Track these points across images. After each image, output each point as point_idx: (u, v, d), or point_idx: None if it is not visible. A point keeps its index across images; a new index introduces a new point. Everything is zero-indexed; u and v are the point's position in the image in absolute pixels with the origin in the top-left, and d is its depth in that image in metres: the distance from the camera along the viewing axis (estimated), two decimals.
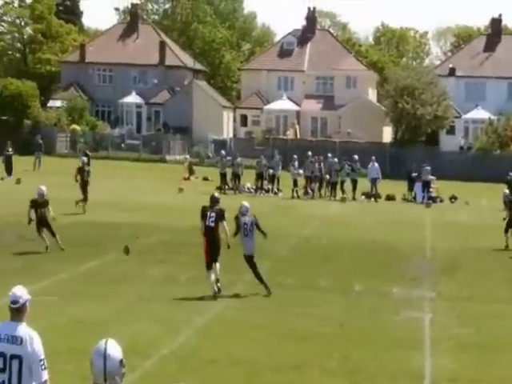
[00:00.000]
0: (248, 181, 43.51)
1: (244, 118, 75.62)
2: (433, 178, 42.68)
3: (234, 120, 76.72)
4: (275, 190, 42.85)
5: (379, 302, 17.48)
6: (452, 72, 71.25)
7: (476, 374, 12.74)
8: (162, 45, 78.25)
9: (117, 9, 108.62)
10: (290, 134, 70.14)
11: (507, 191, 27.09)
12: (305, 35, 79.69)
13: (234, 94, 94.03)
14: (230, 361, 12.80)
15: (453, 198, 42.35)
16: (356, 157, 42.91)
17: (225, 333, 14.52)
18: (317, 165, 41.87)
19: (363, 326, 15.41)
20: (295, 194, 41.37)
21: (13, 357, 7.03)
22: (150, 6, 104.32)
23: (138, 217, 29.92)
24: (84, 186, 30.63)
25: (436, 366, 13.08)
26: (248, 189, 43.14)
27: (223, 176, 42.63)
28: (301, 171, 42.40)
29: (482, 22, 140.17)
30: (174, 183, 43.51)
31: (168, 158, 63.47)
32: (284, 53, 78.45)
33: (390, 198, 42.17)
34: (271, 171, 42.71)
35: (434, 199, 41.31)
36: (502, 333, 15.31)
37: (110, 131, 70.34)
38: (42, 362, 7.08)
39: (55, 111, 68.36)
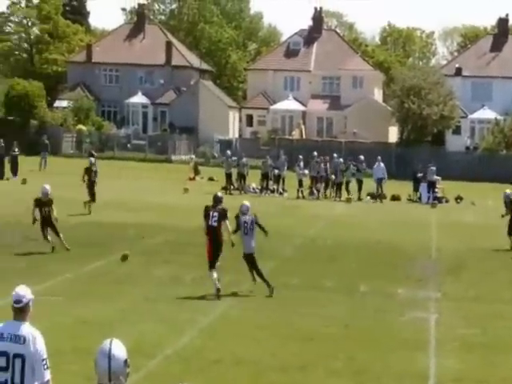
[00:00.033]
0: (253, 181, 43.51)
1: (250, 118, 75.63)
2: (438, 178, 42.63)
3: (240, 120, 76.74)
4: (280, 190, 42.84)
5: (384, 303, 17.47)
6: (458, 72, 71.17)
7: (481, 375, 12.72)
8: (169, 45, 78.31)
9: (123, 9, 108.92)
10: (295, 134, 70.14)
11: (508, 191, 26.98)
12: (311, 35, 79.67)
13: (240, 94, 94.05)
14: (235, 361, 12.81)
15: (458, 199, 42.28)
16: (362, 157, 42.89)
17: (229, 333, 14.52)
18: (322, 165, 41.85)
19: (368, 326, 15.40)
20: (300, 195, 41.36)
21: (16, 356, 7.05)
22: (156, 7, 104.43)
23: (144, 217, 29.94)
24: (91, 186, 30.64)
25: (441, 366, 13.06)
26: (253, 189, 43.14)
27: (229, 176, 42.62)
28: (306, 171, 42.39)
29: (488, 21, 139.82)
30: (179, 183, 43.53)
31: (174, 158, 63.51)
32: (290, 53, 78.44)
33: (395, 198, 42.12)
34: (277, 171, 42.70)
35: (439, 199, 41.25)
36: (507, 333, 15.28)
37: (116, 131, 70.41)
38: (44, 362, 7.10)
39: (61, 111, 68.45)
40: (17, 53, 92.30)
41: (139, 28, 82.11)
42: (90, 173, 31.07)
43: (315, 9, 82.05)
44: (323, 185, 41.91)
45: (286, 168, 43.04)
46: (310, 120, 73.72)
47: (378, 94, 75.64)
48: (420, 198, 41.85)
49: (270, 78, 76.26)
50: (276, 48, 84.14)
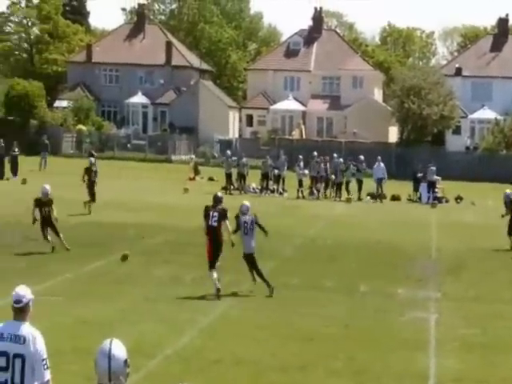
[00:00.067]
0: (253, 181, 43.52)
1: (250, 118, 75.65)
2: (438, 178, 42.63)
3: (240, 120, 76.76)
4: (280, 190, 42.84)
5: (384, 303, 17.47)
6: (458, 72, 71.18)
7: (481, 375, 12.72)
8: (169, 45, 78.33)
9: (123, 9, 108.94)
10: (295, 134, 70.16)
11: (508, 191, 26.98)
12: (311, 35, 79.69)
13: (240, 94, 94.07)
14: (235, 361, 12.81)
15: (458, 199, 42.28)
16: (362, 157, 42.89)
17: (229, 333, 14.53)
18: (322, 165, 41.86)
19: (368, 326, 15.40)
20: (300, 195, 41.36)
21: (16, 356, 7.06)
22: (156, 7, 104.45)
23: (144, 217, 29.94)
24: (91, 186, 30.63)
25: (441, 366, 13.06)
26: (253, 189, 43.14)
27: (229, 176, 42.61)
28: (306, 171, 42.40)
29: (488, 21, 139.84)
30: (179, 183, 43.54)
31: (174, 158, 63.51)
32: (290, 53, 78.45)
33: (395, 198, 42.13)
34: (277, 171, 42.70)
35: (439, 199, 41.25)
36: (507, 333, 15.28)
37: (116, 131, 70.42)
38: (44, 362, 7.10)
39: (61, 111, 68.46)
40: (17, 53, 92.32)
41: (139, 28, 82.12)
42: (90, 173, 31.06)
43: (315, 9, 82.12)
44: (323, 185, 41.91)
45: (286, 168, 43.04)
46: (310, 120, 73.74)
47: (377, 94, 75.66)
48: (420, 198, 41.85)
49: (270, 78, 76.27)
50: (276, 48, 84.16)
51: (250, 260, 17.82)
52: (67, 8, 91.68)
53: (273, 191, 42.69)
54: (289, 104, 74.23)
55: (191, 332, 14.44)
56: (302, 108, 74.33)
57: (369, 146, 59.03)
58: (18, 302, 7.18)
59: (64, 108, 69.92)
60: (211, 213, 17.45)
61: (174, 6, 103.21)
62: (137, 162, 59.88)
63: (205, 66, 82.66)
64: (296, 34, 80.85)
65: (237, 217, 17.85)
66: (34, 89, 65.40)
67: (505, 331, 15.46)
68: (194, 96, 72.36)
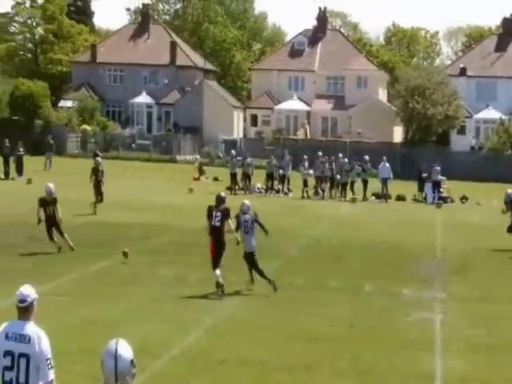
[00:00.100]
0: (258, 181, 43.52)
1: (254, 118, 75.65)
2: (443, 178, 42.58)
3: (245, 120, 76.76)
4: (285, 190, 42.83)
5: (389, 303, 17.46)
6: (463, 72, 71.12)
7: (487, 375, 12.71)
8: (173, 45, 78.35)
9: (128, 9, 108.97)
10: (300, 134, 70.14)
11: (510, 191, 26.95)
12: (315, 35, 79.67)
13: (244, 93, 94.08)
14: (240, 361, 12.81)
15: (464, 199, 42.24)
16: (367, 157, 42.86)
17: (235, 333, 14.53)
18: (327, 165, 41.85)
19: (373, 326, 15.39)
20: (305, 195, 41.35)
21: (20, 355, 7.08)
22: (161, 7, 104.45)
23: (149, 217, 29.96)
24: (98, 186, 30.64)
25: (447, 367, 13.05)
26: (258, 189, 43.14)
27: (233, 176, 42.61)
28: (311, 171, 42.37)
29: (493, 21, 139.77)
30: (184, 183, 43.55)
31: (178, 158, 63.52)
32: (295, 53, 78.44)
33: (400, 198, 42.09)
34: (281, 171, 42.70)
35: (444, 199, 41.20)
36: None
37: (120, 131, 70.46)
38: (48, 362, 7.13)
39: (66, 111, 68.50)
40: (21, 53, 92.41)
41: (144, 28, 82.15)
42: (96, 172, 31.10)
43: (319, 9, 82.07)
44: (328, 185, 41.89)
45: (290, 168, 43.02)
46: (315, 120, 73.72)
47: (382, 94, 75.60)
48: (425, 198, 41.80)
49: (274, 78, 76.27)
50: (280, 48, 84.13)
51: (250, 259, 17.87)
52: (72, 8, 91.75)
53: (278, 191, 42.69)
54: (293, 104, 74.22)
55: (197, 332, 14.45)
56: (306, 108, 74.32)
57: (373, 146, 58.98)
58: (22, 301, 7.20)
59: (69, 108, 69.98)
60: (214, 213, 17.52)
61: (178, 6, 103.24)
62: (141, 162, 59.92)
63: (209, 66, 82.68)
64: (300, 34, 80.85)
65: (237, 216, 17.92)
66: (39, 89, 65.47)
67: (510, 332, 15.44)
68: (198, 96, 72.37)
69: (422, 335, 14.90)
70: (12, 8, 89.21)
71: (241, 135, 72.89)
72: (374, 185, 41.94)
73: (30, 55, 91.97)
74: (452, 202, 41.80)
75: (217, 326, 15.08)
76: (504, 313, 17.00)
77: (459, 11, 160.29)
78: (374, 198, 41.74)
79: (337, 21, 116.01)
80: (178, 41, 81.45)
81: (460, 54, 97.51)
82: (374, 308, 16.91)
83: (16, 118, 64.28)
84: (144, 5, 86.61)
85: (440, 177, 41.76)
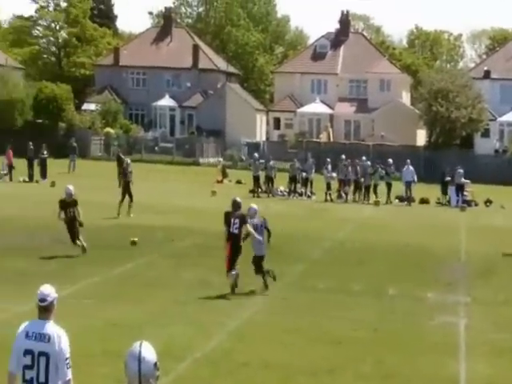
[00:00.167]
0: (281, 184, 43.48)
1: (277, 121, 75.65)
2: (467, 181, 42.35)
3: (267, 123, 76.77)
4: (308, 193, 42.77)
5: (413, 307, 17.38)
6: (487, 74, 70.74)
7: (511, 380, 12.60)
8: (196, 48, 78.50)
9: (150, 13, 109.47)
10: (323, 137, 70.04)
11: None
12: (338, 38, 79.60)
13: (267, 97, 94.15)
14: (263, 364, 12.78)
15: (488, 202, 41.99)
16: (390, 160, 42.72)
17: (257, 336, 14.50)
18: (350, 168, 41.77)
19: (397, 330, 15.32)
20: (328, 198, 41.26)
21: (40, 354, 7.13)
22: (183, 10, 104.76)
23: (172, 220, 29.99)
24: (127, 187, 30.70)
25: (471, 371, 12.96)
26: (281, 192, 43.11)
27: (256, 179, 42.60)
28: (334, 174, 42.27)
29: None
30: (207, 186, 43.57)
31: (201, 160, 63.62)
32: (317, 56, 78.38)
33: (423, 201, 41.92)
34: (304, 174, 42.65)
35: (468, 203, 40.98)
36: None
37: (143, 134, 70.67)
38: (67, 361, 7.18)
39: (89, 114, 68.81)
40: (45, 56, 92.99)
41: (166, 31, 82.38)
42: (125, 174, 31.20)
43: (342, 12, 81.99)
44: (352, 188, 41.79)
45: (313, 171, 42.94)
46: (338, 123, 73.62)
47: (405, 97, 75.38)
48: (449, 202, 41.60)
49: (297, 81, 76.26)
50: (303, 51, 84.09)
51: (258, 262, 17.90)
52: (95, 12, 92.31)
53: (301, 194, 42.63)
54: (316, 107, 74.16)
55: (220, 335, 14.44)
56: (329, 111, 74.23)
57: (397, 149, 58.76)
58: (42, 300, 7.26)
59: (92, 111, 70.29)
60: (232, 219, 17.62)
61: (200, 10, 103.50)
62: (164, 165, 60.06)
63: (232, 69, 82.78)
64: (323, 37, 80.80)
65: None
66: (62, 92, 65.81)
67: None
68: (221, 99, 72.46)
69: (446, 339, 14.81)
70: (36, 12, 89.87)
71: (263, 138, 72.91)
72: (398, 188, 41.80)
73: (53, 58, 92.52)
74: (476, 205, 41.57)
75: (240, 329, 15.06)
76: None
77: (483, 14, 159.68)
78: (397, 200, 41.59)
79: (359, 24, 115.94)
80: (201, 44, 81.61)
81: (484, 56, 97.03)
82: (398, 311, 16.83)
83: (40, 121, 64.63)
84: (166, 8, 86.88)
85: (464, 180, 41.52)
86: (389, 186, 41.14)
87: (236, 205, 17.83)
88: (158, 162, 61.47)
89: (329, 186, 41.53)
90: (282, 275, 19.80)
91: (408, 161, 42.63)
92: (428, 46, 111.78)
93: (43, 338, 7.16)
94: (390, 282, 19.62)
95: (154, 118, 76.48)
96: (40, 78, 78.57)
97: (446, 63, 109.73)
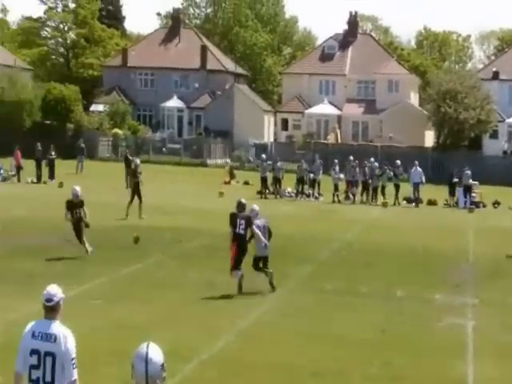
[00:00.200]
0: (289, 185, 43.46)
1: (285, 122, 75.64)
2: (475, 182, 42.27)
3: (275, 124, 76.77)
4: (316, 194, 42.73)
5: (421, 308, 17.35)
6: (496, 76, 70.59)
7: None
8: (204, 49, 78.55)
9: (159, 14, 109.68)
10: (330, 139, 69.99)
11: None
12: (346, 39, 79.56)
13: (275, 97, 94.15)
14: (270, 366, 12.78)
15: (496, 203, 41.90)
16: (398, 162, 42.66)
17: (265, 338, 14.49)
18: (357, 169, 41.74)
19: (405, 332, 15.29)
20: (336, 199, 41.22)
21: (46, 354, 7.15)
22: (191, 11, 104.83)
23: (180, 221, 30.00)
24: (136, 187, 30.68)
25: (479, 372, 12.94)
26: (288, 193, 43.10)
27: (264, 180, 42.58)
28: (342, 176, 42.23)
29: None
30: (214, 187, 43.58)
31: (209, 161, 63.64)
32: (325, 57, 78.35)
33: (431, 202, 41.85)
34: (312, 175, 42.62)
35: (476, 204, 40.89)
36: None
37: (151, 135, 70.72)
38: (73, 361, 7.19)
39: (97, 115, 68.88)
40: (53, 57, 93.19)
41: (174, 32, 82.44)
42: (135, 174, 31.20)
43: (350, 13, 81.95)
44: (360, 189, 41.76)
45: (321, 172, 42.91)
46: (346, 124, 73.57)
47: (413, 98, 75.27)
48: (457, 203, 41.52)
49: (305, 82, 76.23)
50: (311, 52, 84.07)
51: (259, 262, 17.98)
52: (103, 13, 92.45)
53: (308, 195, 42.60)
54: (324, 108, 74.12)
55: (227, 336, 14.43)
56: (337, 112, 74.18)
57: (405, 151, 58.69)
58: (49, 300, 7.27)
59: (100, 112, 70.37)
60: (238, 220, 17.76)
61: (209, 10, 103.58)
62: (172, 166, 60.09)
63: (240, 70, 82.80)
64: (331, 37, 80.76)
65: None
66: (71, 93, 65.92)
67: None
68: (228, 100, 72.48)
69: (454, 341, 14.78)
70: (44, 13, 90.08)
71: (271, 139, 72.89)
72: (406, 189, 41.75)
73: (61, 59, 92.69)
74: (484, 206, 41.48)
75: (247, 330, 15.05)
76: None
77: (492, 15, 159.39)
78: (405, 202, 41.53)
79: (368, 25, 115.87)
80: (209, 45, 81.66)
81: (492, 57, 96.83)
82: (406, 313, 16.80)
83: (48, 121, 64.73)
84: (175, 9, 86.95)
85: (471, 181, 41.45)
86: (397, 187, 41.10)
87: (241, 206, 17.97)
88: (165, 162, 61.51)
89: (336, 188, 41.50)
90: (290, 276, 19.81)
91: (416, 162, 42.58)
92: (436, 46, 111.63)
93: (49, 337, 7.18)
94: (397, 284, 19.59)
95: (162, 119, 76.55)
96: (48, 79, 78.72)
97: (454, 64, 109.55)
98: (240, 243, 17.72)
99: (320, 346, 14.05)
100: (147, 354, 6.33)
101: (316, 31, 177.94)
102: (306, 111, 74.07)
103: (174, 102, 76.37)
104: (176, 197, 38.58)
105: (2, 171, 45.30)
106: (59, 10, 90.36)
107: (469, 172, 41.14)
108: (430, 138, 70.98)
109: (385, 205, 39.94)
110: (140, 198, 30.42)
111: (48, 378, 7.16)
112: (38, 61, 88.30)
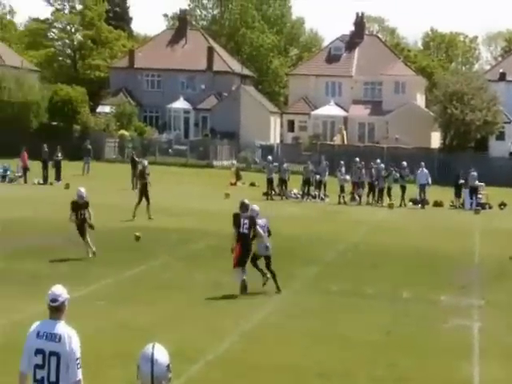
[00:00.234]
0: (295, 186, 43.45)
1: (291, 124, 75.62)
2: (482, 184, 42.21)
3: (281, 125, 76.75)
4: (322, 195, 42.72)
5: (427, 310, 17.33)
6: (502, 77, 70.48)
7: None
8: (210, 50, 78.58)
9: (165, 15, 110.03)
10: (337, 140, 69.95)
11: None
12: (353, 40, 79.52)
13: (281, 99, 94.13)
14: (275, 367, 12.77)
15: (502, 205, 41.83)
16: (405, 163, 42.63)
17: (270, 339, 14.48)
18: (363, 170, 41.72)
19: (411, 333, 15.27)
20: (342, 200, 41.20)
21: (51, 354, 7.16)
22: (198, 12, 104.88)
23: (186, 222, 30.02)
24: (144, 189, 30.69)
25: (485, 374, 12.91)
26: (294, 194, 43.09)
27: (270, 181, 42.59)
28: (348, 177, 42.23)
29: None
30: (220, 188, 43.59)
31: (215, 163, 63.66)
32: (332, 58, 78.32)
33: (437, 204, 41.80)
34: (318, 177, 42.60)
35: (482, 206, 40.83)
36: None
37: (157, 136, 70.75)
38: (78, 361, 7.21)
39: (104, 117, 68.94)
40: (60, 59, 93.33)
41: (181, 34, 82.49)
42: (143, 176, 31.22)
43: (357, 14, 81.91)
44: (366, 190, 41.73)
45: (327, 173, 42.91)
46: (352, 125, 73.51)
47: (420, 100, 75.18)
48: (463, 204, 41.46)
49: (311, 84, 76.20)
50: (317, 53, 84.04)
51: (257, 260, 18.02)
52: (110, 14, 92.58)
53: (314, 197, 42.58)
54: (330, 109, 74.08)
55: (232, 337, 14.43)
56: (343, 113, 74.13)
57: (411, 152, 58.64)
58: (54, 300, 7.29)
59: (107, 113, 70.41)
60: (242, 220, 17.88)
61: (215, 12, 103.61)
62: (178, 167, 60.11)
63: (246, 72, 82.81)
64: (337, 39, 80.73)
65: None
66: (77, 94, 65.99)
67: None
68: (235, 101, 72.48)
69: (460, 342, 14.76)
70: (51, 14, 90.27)
71: (277, 141, 72.86)
72: (412, 190, 41.71)
73: (68, 61, 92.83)
74: (490, 208, 41.42)
75: (252, 331, 15.05)
76: None
77: (499, 16, 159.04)
78: (411, 203, 41.50)
79: (374, 26, 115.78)
80: (215, 46, 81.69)
81: (499, 58, 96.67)
82: (412, 314, 16.78)
83: (55, 123, 64.82)
84: (181, 10, 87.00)
85: (478, 183, 41.39)
86: (403, 188, 41.07)
87: (244, 206, 18.10)
88: (171, 164, 61.52)
89: (342, 189, 41.48)
90: (296, 277, 19.81)
91: (422, 163, 42.54)
92: (443, 48, 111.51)
93: (54, 337, 7.19)
94: (403, 285, 19.57)
95: (169, 121, 76.59)
96: (55, 80, 78.86)
97: (461, 65, 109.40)
98: (244, 243, 17.75)
99: (326, 347, 14.05)
100: (153, 354, 6.34)
101: (322, 32, 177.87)
102: (313, 112, 74.04)
103: (181, 104, 76.40)
104: (182, 198, 38.60)
105: (8, 172, 45.41)
106: (66, 11, 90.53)
107: (475, 173, 41.08)
108: (436, 140, 70.87)
109: (391, 206, 39.91)
110: (148, 199, 30.42)
111: (53, 378, 7.17)
112: (45, 62, 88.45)
